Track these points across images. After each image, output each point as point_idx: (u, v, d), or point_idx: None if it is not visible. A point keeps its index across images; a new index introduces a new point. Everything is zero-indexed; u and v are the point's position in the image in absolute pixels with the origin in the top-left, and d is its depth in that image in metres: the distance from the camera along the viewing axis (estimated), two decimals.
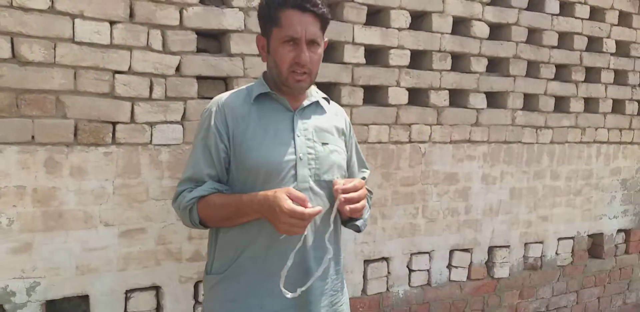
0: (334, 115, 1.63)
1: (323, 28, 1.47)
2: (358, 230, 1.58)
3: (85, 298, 1.97)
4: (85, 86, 1.87)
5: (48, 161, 1.84)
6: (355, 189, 1.39)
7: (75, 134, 1.87)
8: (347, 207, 1.37)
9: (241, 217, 1.43)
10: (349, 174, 1.67)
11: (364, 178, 1.72)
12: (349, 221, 1.56)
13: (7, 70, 1.74)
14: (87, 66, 1.86)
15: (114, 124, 1.94)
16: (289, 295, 1.36)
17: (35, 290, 1.86)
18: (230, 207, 1.42)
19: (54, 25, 1.80)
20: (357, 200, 1.38)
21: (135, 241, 2.01)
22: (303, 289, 1.38)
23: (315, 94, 1.60)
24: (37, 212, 1.84)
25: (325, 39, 1.54)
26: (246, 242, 1.47)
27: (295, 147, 1.47)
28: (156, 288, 2.09)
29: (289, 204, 1.28)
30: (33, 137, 1.81)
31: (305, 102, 1.55)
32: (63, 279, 1.90)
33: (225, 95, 1.56)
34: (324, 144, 1.52)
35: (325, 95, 1.65)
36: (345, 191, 1.37)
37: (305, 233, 1.36)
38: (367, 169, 1.78)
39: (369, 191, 1.74)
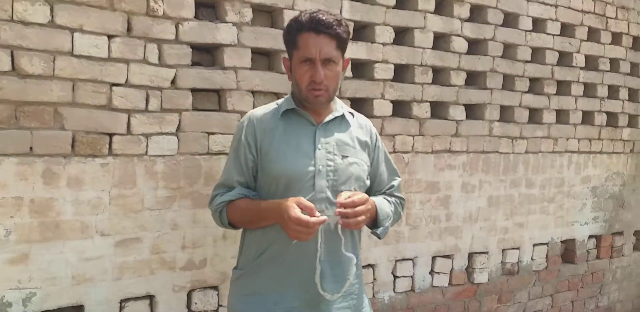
0: (358, 129, 1.73)
1: (340, 47, 1.57)
2: (378, 237, 1.70)
3: (79, 308, 1.98)
4: (83, 98, 1.91)
5: (46, 172, 1.86)
6: (353, 205, 1.46)
7: (72, 146, 1.90)
8: (340, 220, 1.47)
9: (261, 222, 1.55)
10: (378, 182, 1.78)
11: (392, 186, 1.81)
12: (370, 227, 1.69)
13: (6, 82, 1.77)
14: (85, 79, 1.90)
15: (111, 135, 1.97)
16: (328, 297, 1.53)
17: (31, 300, 1.87)
18: (252, 212, 1.56)
19: (54, 39, 1.83)
20: (353, 215, 1.46)
21: (130, 251, 2.04)
22: (339, 295, 1.55)
23: (340, 108, 1.70)
24: (34, 223, 1.86)
25: (347, 57, 1.65)
26: (267, 243, 1.60)
27: (315, 160, 1.57)
28: (150, 297, 2.12)
29: (295, 212, 1.39)
30: (31, 148, 1.83)
31: (329, 117, 1.65)
32: (59, 289, 1.91)
33: (257, 110, 1.70)
34: (344, 156, 1.62)
35: (350, 110, 1.76)
36: (343, 206, 1.45)
37: (320, 240, 1.48)
38: (398, 176, 1.87)
39: (400, 197, 1.85)
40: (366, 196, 1.53)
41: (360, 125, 1.75)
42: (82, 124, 1.91)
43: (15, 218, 1.83)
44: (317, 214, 1.42)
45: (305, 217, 1.39)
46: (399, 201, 1.83)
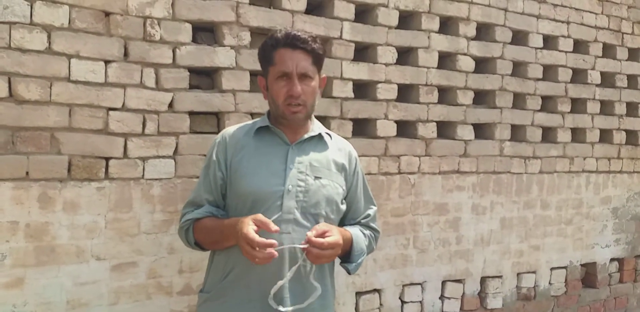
0: (336, 151, 1.68)
1: (316, 63, 1.56)
2: (348, 272, 1.63)
3: None
4: (80, 123, 1.92)
5: (41, 196, 1.87)
6: (322, 247, 1.39)
7: (69, 170, 1.92)
8: (305, 254, 1.41)
9: (224, 241, 1.50)
10: (353, 209, 1.71)
11: (368, 216, 1.73)
12: (342, 261, 1.62)
13: (3, 108, 1.80)
14: (82, 104, 1.92)
15: (107, 159, 1.98)
16: (275, 306, 1.43)
17: None
18: (216, 231, 1.52)
19: (51, 65, 1.86)
20: (315, 256, 1.40)
21: (126, 275, 2.03)
22: (290, 309, 1.46)
23: (317, 129, 1.66)
24: (30, 247, 1.86)
25: (323, 75, 1.64)
26: (232, 265, 1.54)
27: (285, 179, 1.52)
28: None
29: (248, 229, 1.34)
30: (27, 173, 1.85)
31: (304, 136, 1.61)
32: None
33: (232, 127, 1.68)
34: (316, 177, 1.57)
35: (328, 131, 1.71)
36: (310, 243, 1.39)
37: (286, 263, 1.42)
38: (374, 205, 1.79)
39: (375, 230, 1.76)
40: (340, 240, 1.44)
41: (338, 148, 1.69)
42: (78, 148, 1.93)
43: (11, 242, 1.84)
44: (274, 227, 1.36)
45: (252, 235, 1.32)
46: (373, 235, 1.75)
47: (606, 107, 3.52)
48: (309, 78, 1.54)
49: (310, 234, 1.40)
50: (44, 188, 1.88)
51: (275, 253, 1.33)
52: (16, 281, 1.85)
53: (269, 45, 1.54)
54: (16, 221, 1.84)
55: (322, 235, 1.41)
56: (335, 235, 1.44)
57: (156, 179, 2.07)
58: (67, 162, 1.91)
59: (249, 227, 1.34)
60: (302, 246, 1.40)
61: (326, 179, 1.59)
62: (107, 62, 1.96)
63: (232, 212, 1.57)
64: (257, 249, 1.31)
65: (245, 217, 1.40)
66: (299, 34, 1.52)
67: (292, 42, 1.51)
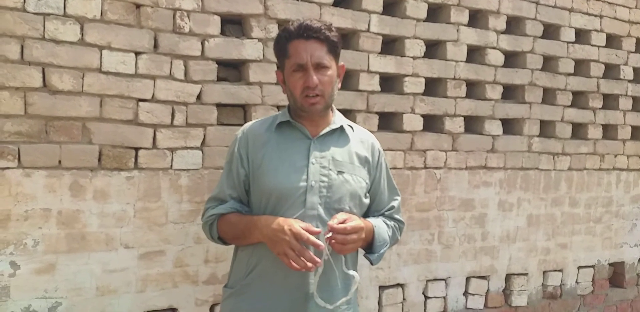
0: (358, 143, 1.65)
1: (331, 51, 1.53)
2: (371, 263, 1.63)
3: None
4: (111, 113, 1.96)
5: (73, 184, 1.92)
6: (345, 232, 1.40)
7: (99, 159, 1.95)
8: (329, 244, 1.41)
9: (248, 238, 1.51)
10: (377, 201, 1.70)
11: (392, 207, 1.72)
12: (365, 252, 1.62)
13: (37, 98, 1.84)
14: (112, 95, 1.95)
15: (137, 149, 2.02)
16: (322, 304, 1.44)
17: (57, 310, 1.91)
18: (239, 227, 1.52)
19: (83, 56, 1.90)
20: (341, 242, 1.40)
21: (153, 263, 2.06)
22: (338, 304, 1.47)
23: (338, 121, 1.64)
24: (61, 234, 1.91)
25: (341, 63, 1.61)
26: (256, 260, 1.55)
27: (307, 175, 1.51)
28: (172, 310, 2.13)
29: (296, 226, 1.36)
30: (60, 161, 1.89)
31: (325, 130, 1.59)
32: (84, 299, 1.95)
33: (252, 122, 1.67)
34: (339, 172, 1.55)
35: (351, 123, 1.69)
36: (333, 230, 1.39)
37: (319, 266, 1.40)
38: (398, 196, 1.78)
39: (400, 221, 1.75)
40: (361, 224, 1.45)
41: (361, 140, 1.67)
42: (109, 138, 1.96)
43: (43, 229, 1.88)
44: (314, 233, 1.39)
45: (303, 231, 1.35)
46: (397, 226, 1.73)
47: (638, 104, 3.43)
48: (325, 67, 1.51)
49: (332, 222, 1.40)
50: (75, 177, 1.92)
51: (320, 262, 1.36)
52: (48, 267, 1.89)
53: (283, 37, 1.53)
54: (49, 208, 1.89)
55: (343, 223, 1.42)
56: (356, 220, 1.45)
57: (184, 170, 2.10)
58: (98, 152, 1.95)
59: (297, 225, 1.37)
60: (326, 236, 1.39)
61: (349, 173, 1.57)
62: (137, 53, 1.99)
63: (256, 208, 1.57)
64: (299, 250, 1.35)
65: (280, 217, 1.43)
66: (311, 23, 1.49)
67: (305, 32, 1.48)
